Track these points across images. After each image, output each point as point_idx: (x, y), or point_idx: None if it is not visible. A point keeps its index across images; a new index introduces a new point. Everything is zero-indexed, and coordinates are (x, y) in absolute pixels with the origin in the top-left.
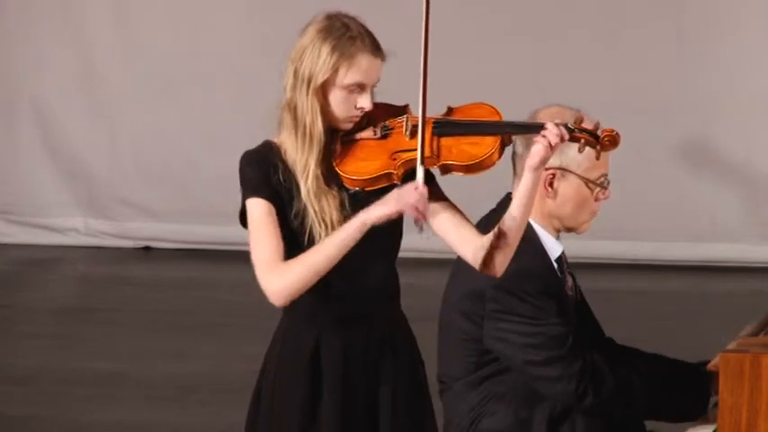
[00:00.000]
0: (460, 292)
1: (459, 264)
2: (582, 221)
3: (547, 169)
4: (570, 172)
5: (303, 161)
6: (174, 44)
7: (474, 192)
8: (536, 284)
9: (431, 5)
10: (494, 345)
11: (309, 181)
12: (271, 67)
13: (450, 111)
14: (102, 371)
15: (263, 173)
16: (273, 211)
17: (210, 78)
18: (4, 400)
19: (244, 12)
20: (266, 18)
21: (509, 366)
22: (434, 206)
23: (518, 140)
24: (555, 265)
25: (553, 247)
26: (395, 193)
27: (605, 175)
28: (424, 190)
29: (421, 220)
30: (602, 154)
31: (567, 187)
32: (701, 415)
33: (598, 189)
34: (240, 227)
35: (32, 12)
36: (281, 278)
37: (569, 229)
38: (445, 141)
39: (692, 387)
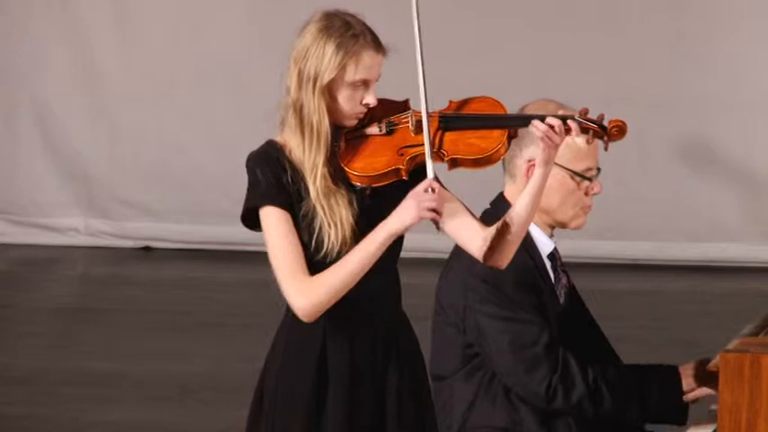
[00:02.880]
0: (449, 284)
1: (451, 257)
2: (571, 215)
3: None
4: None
5: (311, 161)
6: (174, 44)
7: (465, 190)
8: (514, 277)
9: (426, 2)
10: (473, 337)
11: (318, 181)
12: (270, 67)
13: (452, 104)
14: (102, 371)
15: (275, 177)
16: (290, 219)
17: (210, 78)
18: (4, 400)
19: (244, 12)
20: (266, 18)
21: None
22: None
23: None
24: (548, 262)
25: (545, 244)
26: (412, 199)
27: (593, 168)
28: (437, 187)
29: (438, 219)
30: (590, 146)
31: (551, 178)
32: (678, 419)
33: (585, 182)
34: (241, 227)
35: (32, 11)
36: (307, 296)
37: (561, 224)
38: (452, 136)
39: (664, 394)
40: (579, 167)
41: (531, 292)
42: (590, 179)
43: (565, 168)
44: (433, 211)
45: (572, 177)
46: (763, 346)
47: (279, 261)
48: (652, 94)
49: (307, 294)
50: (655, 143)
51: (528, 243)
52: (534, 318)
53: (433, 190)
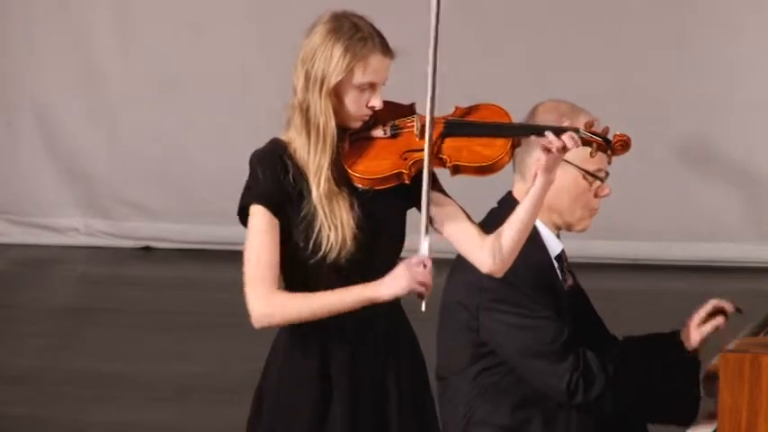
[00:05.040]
0: (459, 284)
1: (459, 258)
2: (578, 216)
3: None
4: (567, 161)
5: (316, 162)
6: (174, 44)
7: (474, 190)
8: (531, 277)
9: (425, 2)
10: (488, 336)
11: (322, 183)
12: (271, 67)
13: (458, 110)
14: (102, 371)
15: (275, 177)
16: (276, 224)
17: (210, 78)
18: (4, 400)
19: (244, 11)
20: (266, 17)
21: (504, 359)
22: (439, 208)
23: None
24: (555, 263)
25: (553, 245)
26: (404, 271)
27: (604, 170)
28: (430, 265)
29: (425, 295)
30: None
31: (564, 176)
32: (692, 415)
33: (597, 183)
34: (240, 225)
35: (32, 12)
36: (268, 306)
37: (567, 225)
38: (456, 142)
39: (684, 385)
40: (591, 167)
41: (547, 290)
42: (602, 179)
43: (578, 168)
44: (423, 286)
45: (584, 177)
46: (763, 346)
47: (251, 262)
48: (653, 94)
49: (265, 304)
50: (655, 143)
51: (538, 243)
52: (552, 315)
53: (425, 266)
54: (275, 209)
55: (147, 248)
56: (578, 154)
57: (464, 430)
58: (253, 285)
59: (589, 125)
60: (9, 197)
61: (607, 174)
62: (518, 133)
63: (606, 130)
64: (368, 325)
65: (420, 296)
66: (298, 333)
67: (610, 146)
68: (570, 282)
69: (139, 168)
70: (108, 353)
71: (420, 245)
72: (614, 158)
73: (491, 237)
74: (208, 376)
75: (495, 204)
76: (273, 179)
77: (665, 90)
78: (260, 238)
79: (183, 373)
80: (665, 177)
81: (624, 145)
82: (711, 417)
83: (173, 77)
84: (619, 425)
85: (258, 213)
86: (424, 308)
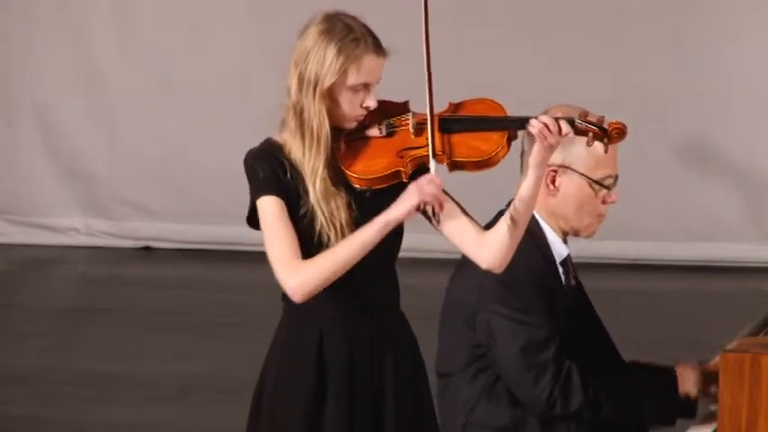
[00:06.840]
0: (461, 283)
1: (463, 257)
2: (586, 223)
3: (549, 166)
4: (572, 170)
5: (311, 164)
6: (174, 44)
7: (476, 190)
8: (532, 281)
9: (430, 3)
10: (482, 336)
11: (318, 184)
12: (270, 67)
13: (452, 106)
14: (102, 371)
15: (272, 170)
16: (285, 207)
17: (210, 78)
18: (4, 400)
19: (244, 11)
20: (266, 18)
21: (493, 362)
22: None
23: (526, 138)
24: (560, 268)
25: (559, 249)
26: (412, 187)
27: (612, 177)
28: (439, 180)
29: (439, 211)
30: (610, 154)
31: (569, 184)
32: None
33: (603, 190)
34: (243, 227)
35: (32, 12)
36: (299, 275)
37: (574, 231)
38: (453, 138)
39: (661, 405)
40: (598, 175)
41: (546, 295)
42: (608, 188)
43: (583, 176)
44: (434, 197)
45: (590, 185)
46: (763, 346)
47: (273, 247)
48: (653, 93)
49: (298, 274)
50: (656, 143)
51: (542, 245)
52: (546, 323)
53: (434, 183)
54: (279, 193)
55: (147, 248)
56: (584, 161)
57: None
58: (281, 268)
59: (584, 115)
60: (9, 197)
61: (616, 178)
62: (513, 125)
63: (601, 119)
64: (366, 326)
65: (432, 212)
66: (295, 331)
67: (606, 134)
68: (573, 285)
69: (139, 168)
70: (108, 353)
71: (430, 167)
72: (614, 158)
73: (488, 233)
74: (208, 376)
75: (494, 203)
76: (272, 173)
77: (664, 89)
78: (275, 224)
79: (183, 373)
80: (665, 177)
81: (620, 132)
82: (711, 417)
83: (173, 77)
84: (618, 425)
85: (265, 203)
86: (437, 224)
